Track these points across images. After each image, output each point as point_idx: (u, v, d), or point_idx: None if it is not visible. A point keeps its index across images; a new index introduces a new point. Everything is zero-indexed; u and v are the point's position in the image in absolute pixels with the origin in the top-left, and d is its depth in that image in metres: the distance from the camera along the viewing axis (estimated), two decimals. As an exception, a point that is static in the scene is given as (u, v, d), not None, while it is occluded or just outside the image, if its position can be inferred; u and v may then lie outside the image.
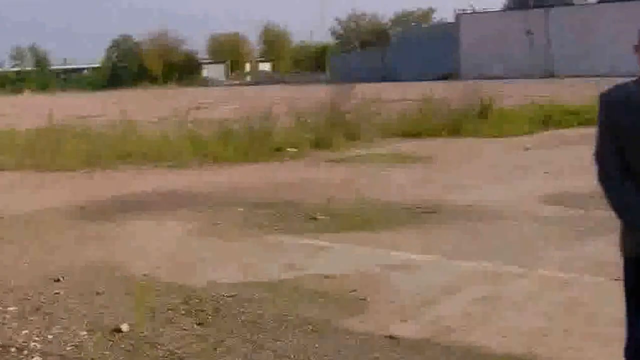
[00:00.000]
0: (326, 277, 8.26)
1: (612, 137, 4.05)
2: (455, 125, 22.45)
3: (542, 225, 10.47)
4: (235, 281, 8.24)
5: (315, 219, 11.34)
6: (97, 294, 7.86)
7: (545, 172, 15.06)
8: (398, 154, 18.65)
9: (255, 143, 19.70)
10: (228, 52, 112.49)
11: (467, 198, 12.58)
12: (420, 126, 22.71)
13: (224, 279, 8.33)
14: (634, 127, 3.95)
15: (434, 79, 63.35)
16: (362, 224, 10.84)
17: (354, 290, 7.69)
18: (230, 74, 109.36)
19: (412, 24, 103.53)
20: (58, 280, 8.38)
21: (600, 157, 4.18)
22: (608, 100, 4.11)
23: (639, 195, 4.03)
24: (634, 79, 4.05)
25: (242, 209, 12.34)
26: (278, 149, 19.66)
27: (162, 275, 8.54)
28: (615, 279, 7.23)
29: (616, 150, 4.05)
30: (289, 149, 19.68)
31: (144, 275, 8.53)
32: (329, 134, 20.87)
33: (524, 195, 12.61)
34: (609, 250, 8.93)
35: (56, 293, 7.92)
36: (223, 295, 7.63)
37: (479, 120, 23.23)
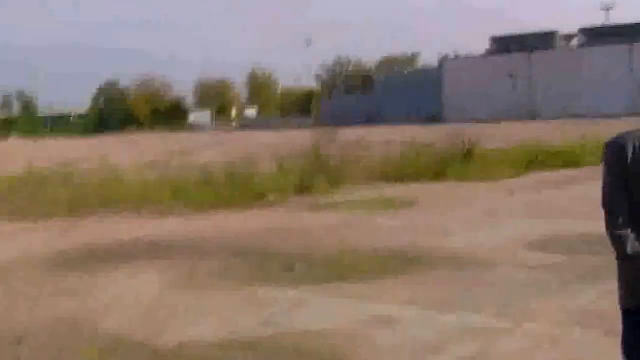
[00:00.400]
0: (305, 334, 7.78)
1: (622, 183, 3.97)
2: (439, 169, 22.08)
3: (530, 273, 10.00)
4: (210, 340, 7.74)
5: (295, 269, 10.89)
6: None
7: (531, 217, 14.63)
8: (382, 199, 18.22)
9: (237, 189, 19.31)
10: (215, 97, 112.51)
11: (453, 245, 12.16)
12: (405, 170, 22.36)
13: (197, 337, 7.84)
14: None
15: (418, 123, 63.22)
16: (344, 274, 10.36)
17: (334, 350, 7.21)
18: (216, 119, 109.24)
19: (396, 69, 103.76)
20: (20, 343, 7.88)
21: (611, 204, 4.03)
22: (620, 146, 3.99)
23: None
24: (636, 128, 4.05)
25: (220, 259, 11.90)
26: (260, 195, 19.21)
27: (132, 333, 8.04)
28: (609, 333, 6.81)
29: (624, 194, 3.97)
30: (271, 195, 19.24)
31: (113, 334, 8.03)
32: (312, 179, 20.43)
33: (511, 241, 12.16)
34: (600, 301, 8.53)
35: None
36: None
37: (463, 164, 22.84)
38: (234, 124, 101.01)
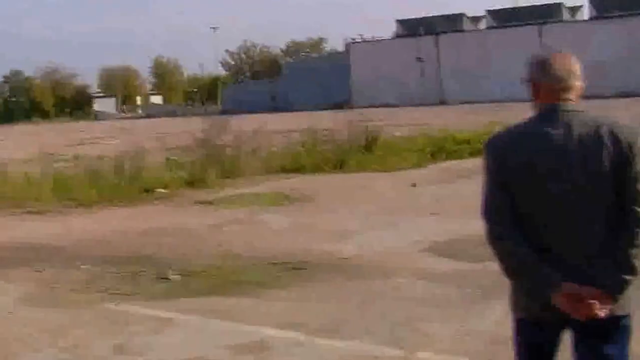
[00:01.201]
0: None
1: (502, 186, 3.70)
2: (340, 159, 20.81)
3: (430, 285, 8.72)
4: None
5: (168, 279, 9.60)
6: None
7: (433, 213, 13.36)
8: (276, 193, 16.87)
9: (123, 184, 17.92)
10: (119, 85, 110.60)
11: (345, 248, 10.84)
12: (303, 160, 20.98)
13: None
14: (531, 169, 3.64)
15: (327, 109, 62.18)
16: (221, 286, 9.08)
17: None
18: (121, 107, 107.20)
19: (302, 54, 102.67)
20: None
21: (489, 212, 3.76)
22: (496, 146, 3.80)
23: (536, 253, 3.61)
24: (520, 122, 3.86)
25: (87, 267, 10.54)
26: (148, 190, 17.81)
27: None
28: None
29: (507, 200, 3.69)
30: (159, 190, 17.85)
31: None
32: (204, 172, 19.03)
33: (411, 244, 10.89)
34: (507, 322, 7.41)
35: None
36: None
37: (365, 153, 21.66)
38: (139, 111, 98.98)
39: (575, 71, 3.81)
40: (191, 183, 18.58)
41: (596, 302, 3.55)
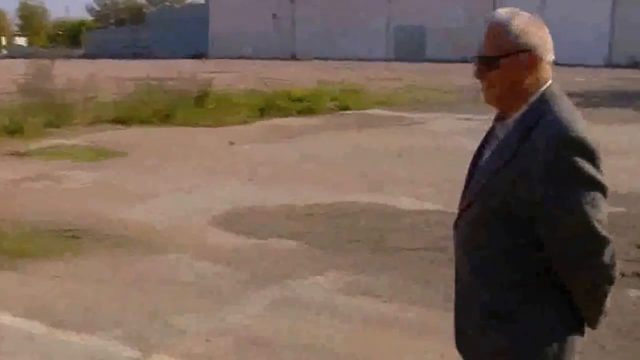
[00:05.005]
0: None
1: None
2: (169, 112, 19.21)
3: (202, 266, 7.44)
4: None
5: None
6: None
7: (239, 178, 12.01)
8: (94, 146, 15.19)
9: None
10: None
11: (132, 215, 9.45)
12: (134, 112, 19.32)
13: None
14: None
15: (186, 58, 60.22)
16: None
17: None
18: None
19: (166, 3, 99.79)
20: None
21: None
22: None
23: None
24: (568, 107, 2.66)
25: None
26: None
27: None
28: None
29: None
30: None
31: None
32: (24, 120, 17.12)
33: (202, 213, 9.57)
34: (267, 315, 6.33)
35: None
36: None
37: (195, 107, 20.14)
38: (3, 52, 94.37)
39: None
40: (12, 132, 16.75)
41: None
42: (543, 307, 2.67)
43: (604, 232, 2.57)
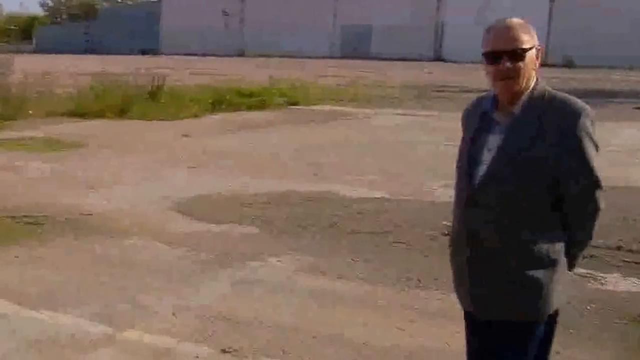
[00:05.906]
0: None
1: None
2: (124, 106, 19.27)
3: (163, 249, 7.64)
4: None
5: None
6: None
7: (192, 167, 12.30)
8: (50, 138, 15.20)
9: None
10: None
11: (92, 202, 9.60)
12: (89, 106, 19.27)
13: None
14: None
15: (137, 54, 59.96)
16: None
17: None
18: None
19: (119, 0, 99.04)
20: None
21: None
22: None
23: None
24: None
25: None
26: None
27: None
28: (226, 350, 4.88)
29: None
30: None
31: None
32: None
33: (159, 200, 9.76)
34: (233, 297, 6.54)
35: None
36: None
37: (149, 102, 20.24)
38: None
39: None
40: (-32, 125, 16.70)
41: None
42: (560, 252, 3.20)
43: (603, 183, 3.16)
